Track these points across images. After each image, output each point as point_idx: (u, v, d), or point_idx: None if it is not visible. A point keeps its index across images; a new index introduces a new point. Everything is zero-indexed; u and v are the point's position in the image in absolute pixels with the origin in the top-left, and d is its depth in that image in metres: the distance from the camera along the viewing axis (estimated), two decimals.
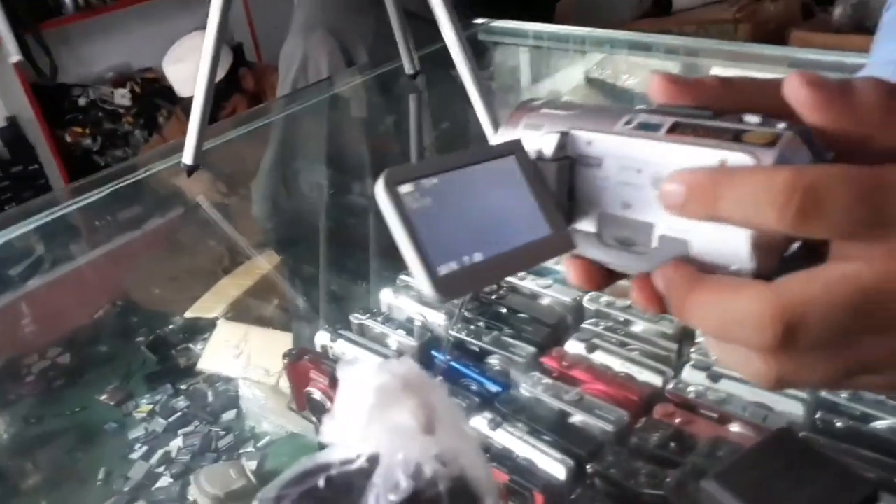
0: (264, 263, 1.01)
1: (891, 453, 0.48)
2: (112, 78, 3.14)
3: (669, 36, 1.37)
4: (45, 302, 1.03)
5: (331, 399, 0.62)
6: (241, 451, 0.82)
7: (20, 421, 0.89)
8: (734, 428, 0.53)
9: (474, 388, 0.60)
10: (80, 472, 0.83)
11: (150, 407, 0.94)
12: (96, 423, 0.92)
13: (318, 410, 0.64)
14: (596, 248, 0.29)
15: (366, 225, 1.02)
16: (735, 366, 0.26)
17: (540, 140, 0.29)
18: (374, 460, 0.29)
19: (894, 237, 0.23)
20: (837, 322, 0.23)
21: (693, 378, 0.57)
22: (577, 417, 0.55)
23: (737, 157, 0.25)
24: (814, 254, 0.25)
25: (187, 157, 0.89)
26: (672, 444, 0.51)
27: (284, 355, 0.66)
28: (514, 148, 0.29)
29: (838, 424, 0.51)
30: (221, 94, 2.63)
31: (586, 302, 0.67)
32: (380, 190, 0.24)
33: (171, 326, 1.04)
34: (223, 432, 0.87)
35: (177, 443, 0.87)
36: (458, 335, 0.66)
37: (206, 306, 1.01)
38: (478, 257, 0.25)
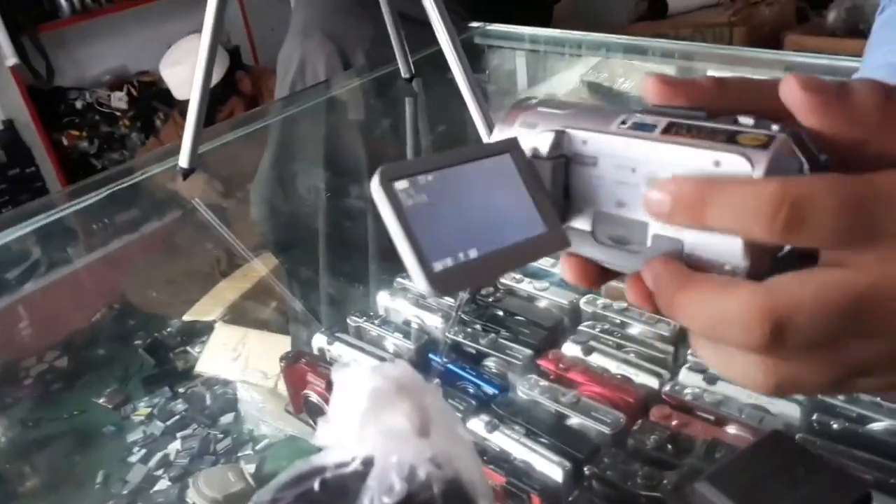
0: (262, 266, 1.02)
1: (887, 455, 0.48)
2: (109, 81, 3.14)
3: (665, 40, 1.38)
4: (43, 305, 1.03)
5: (328, 402, 0.62)
6: (240, 453, 0.82)
7: (18, 424, 0.89)
8: (731, 430, 0.53)
9: (471, 390, 0.60)
10: (78, 475, 0.83)
11: (149, 410, 0.94)
12: (94, 426, 0.92)
13: (315, 413, 0.64)
14: (591, 246, 0.30)
15: (362, 227, 1.02)
16: (728, 370, 0.26)
17: (535, 138, 0.30)
18: (368, 463, 0.29)
19: (883, 245, 0.23)
20: (827, 325, 0.24)
21: (690, 380, 0.57)
22: (574, 420, 0.55)
23: (730, 159, 0.25)
24: (807, 254, 0.25)
25: (183, 160, 0.89)
26: (669, 446, 0.51)
27: (281, 358, 0.66)
28: (510, 146, 0.29)
29: (835, 426, 0.51)
30: (218, 97, 2.63)
31: (583, 304, 0.67)
32: (375, 186, 0.24)
33: (168, 329, 1.04)
34: (221, 435, 0.87)
35: (175, 446, 0.87)
36: (454, 338, 0.66)
37: (203, 309, 1.01)
38: (473, 254, 0.25)
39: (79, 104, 3.03)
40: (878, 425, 0.51)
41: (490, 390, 0.60)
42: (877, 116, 0.25)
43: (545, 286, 0.70)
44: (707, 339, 0.26)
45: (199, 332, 0.99)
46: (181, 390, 0.95)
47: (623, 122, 0.28)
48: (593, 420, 0.54)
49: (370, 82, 1.24)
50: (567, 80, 1.26)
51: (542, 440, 0.53)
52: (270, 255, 1.05)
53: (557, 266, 0.73)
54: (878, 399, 0.52)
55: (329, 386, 0.62)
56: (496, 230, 0.26)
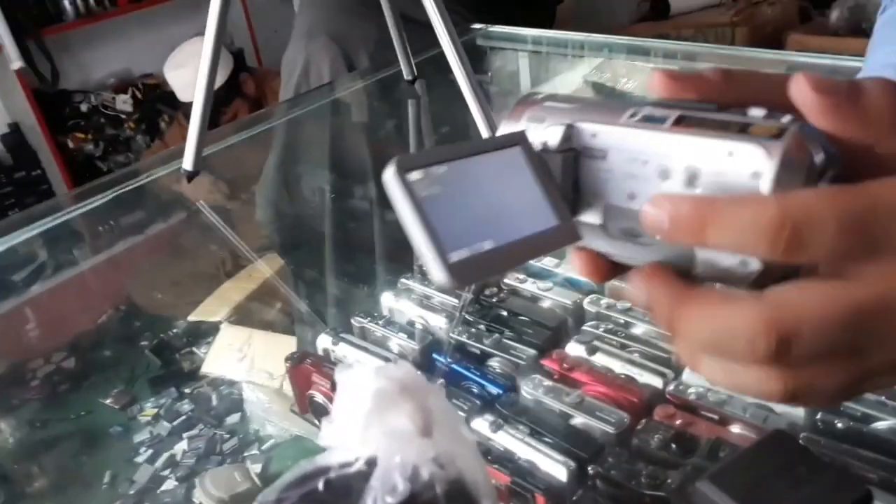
0: (266, 267, 1.02)
1: (891, 454, 0.48)
2: (113, 84, 3.15)
3: (667, 41, 1.38)
4: (50, 307, 1.04)
5: (333, 402, 0.62)
6: (246, 453, 0.83)
7: (26, 425, 0.89)
8: (735, 429, 0.53)
9: (475, 390, 0.60)
10: (86, 475, 0.84)
11: (155, 410, 0.94)
12: (101, 426, 0.92)
13: (320, 413, 0.65)
14: (601, 239, 0.29)
15: (367, 229, 1.02)
16: (736, 384, 0.26)
17: (544, 132, 0.29)
18: (372, 463, 0.29)
19: (885, 259, 0.23)
20: (831, 337, 0.24)
21: (693, 380, 0.57)
22: (579, 419, 0.55)
23: (744, 148, 0.25)
24: None
25: (187, 163, 0.89)
26: (673, 446, 0.51)
27: (286, 359, 0.66)
28: (519, 139, 0.29)
29: (839, 425, 0.51)
30: (222, 100, 2.64)
31: (587, 304, 0.67)
32: (390, 176, 0.24)
33: (174, 330, 1.04)
34: (227, 435, 0.87)
35: (181, 446, 0.87)
36: (459, 338, 0.66)
37: (209, 310, 1.02)
38: (488, 245, 0.25)
39: (84, 107, 3.04)
40: (883, 424, 0.51)
41: (494, 390, 0.60)
42: (888, 118, 0.25)
43: (549, 286, 0.70)
44: (710, 354, 0.26)
45: (204, 332, 0.99)
46: (187, 391, 0.95)
47: (633, 115, 0.28)
48: (597, 420, 0.54)
49: (373, 84, 1.25)
50: (570, 80, 1.26)
51: (547, 440, 0.53)
52: (275, 257, 1.05)
53: (561, 266, 0.73)
54: (883, 398, 0.52)
55: (334, 386, 0.62)
56: (509, 222, 0.26)
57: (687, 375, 0.58)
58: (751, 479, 0.28)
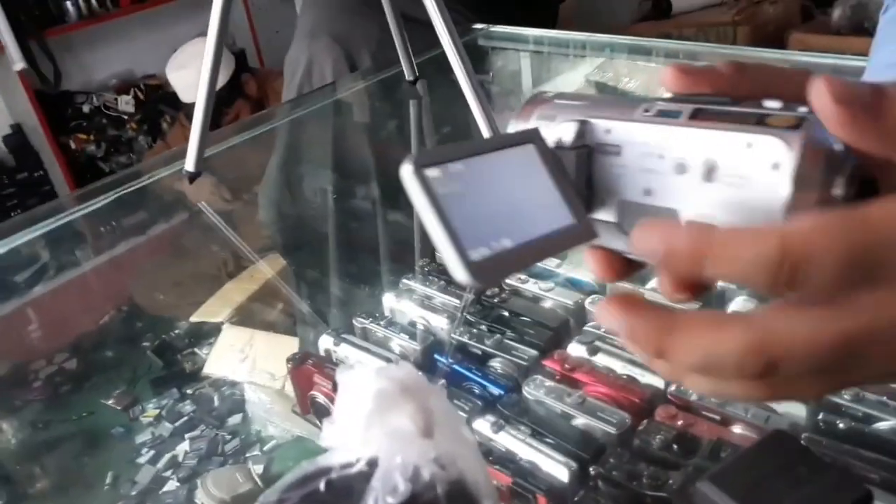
0: (268, 268, 1.02)
1: (893, 454, 0.48)
2: (115, 84, 3.15)
3: (669, 40, 1.37)
4: (52, 308, 1.04)
5: (334, 402, 0.62)
6: (248, 454, 0.83)
7: (28, 426, 0.89)
8: (736, 430, 0.53)
9: (477, 391, 0.60)
10: (88, 476, 0.84)
11: (157, 411, 0.94)
12: (103, 427, 0.92)
13: (322, 414, 0.65)
14: (616, 237, 0.29)
15: (368, 229, 1.02)
16: (722, 395, 0.26)
17: (557, 129, 0.29)
18: (373, 464, 0.29)
19: (880, 290, 0.23)
20: (818, 361, 0.24)
21: None
22: (580, 420, 0.55)
23: (763, 140, 0.25)
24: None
25: (189, 164, 0.89)
26: (674, 446, 0.51)
27: (288, 359, 0.67)
28: (533, 136, 0.28)
29: (840, 425, 0.51)
30: (224, 100, 2.64)
31: (588, 305, 0.67)
32: (408, 173, 0.24)
33: (176, 331, 1.04)
34: (229, 436, 0.87)
35: (183, 447, 0.87)
36: (460, 338, 0.66)
37: (211, 311, 1.02)
38: (506, 243, 0.25)
39: (86, 108, 3.05)
40: (884, 425, 0.51)
41: (496, 391, 0.60)
42: None
43: (550, 286, 0.70)
44: (697, 373, 0.26)
45: (206, 333, 0.99)
46: (189, 392, 0.95)
47: (647, 110, 0.28)
48: (599, 420, 0.54)
49: (374, 85, 1.25)
50: (572, 80, 1.26)
51: (548, 440, 0.53)
52: (277, 257, 1.05)
53: (562, 266, 0.73)
54: (885, 398, 0.52)
55: (335, 387, 0.62)
56: (526, 220, 0.26)
57: None
58: (751, 479, 0.28)
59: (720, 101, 0.27)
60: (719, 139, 0.26)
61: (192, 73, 2.51)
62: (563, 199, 0.27)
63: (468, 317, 0.68)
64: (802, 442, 0.50)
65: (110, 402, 0.95)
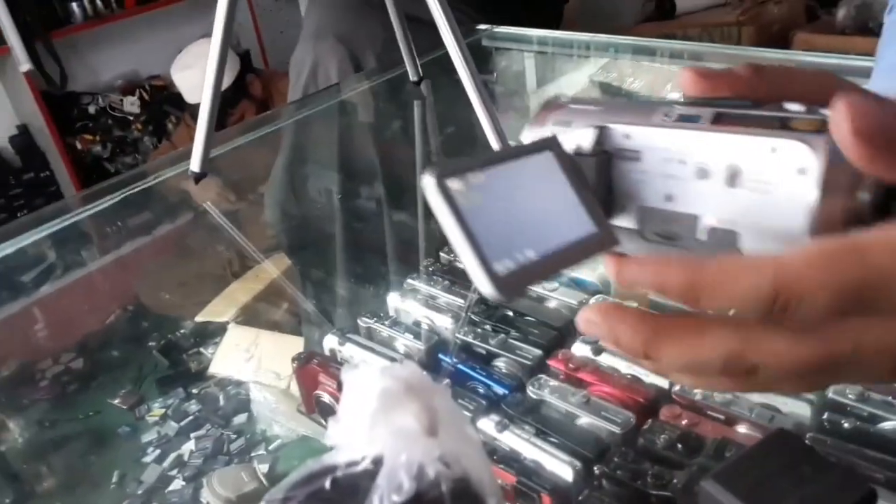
0: (273, 268, 1.02)
1: None
2: (121, 85, 3.17)
3: (673, 41, 1.38)
4: (58, 308, 1.04)
5: (339, 402, 0.62)
6: (253, 453, 0.83)
7: (34, 425, 0.90)
8: (741, 429, 0.53)
9: (481, 390, 0.61)
10: (94, 475, 0.84)
11: (163, 411, 0.95)
12: (109, 426, 0.93)
13: (327, 413, 0.65)
14: (636, 243, 0.29)
15: (373, 229, 1.03)
16: (707, 388, 0.27)
17: (575, 135, 0.29)
18: (378, 462, 0.29)
19: (872, 317, 0.23)
20: (797, 374, 0.25)
21: None
22: (584, 419, 0.55)
23: (788, 145, 0.24)
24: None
25: (194, 164, 0.89)
26: (679, 446, 0.51)
27: (293, 359, 0.67)
28: (551, 143, 0.28)
29: (845, 425, 0.51)
30: (229, 101, 2.65)
31: (592, 304, 0.67)
32: (430, 186, 0.24)
33: (182, 331, 1.05)
34: (235, 435, 0.88)
35: (189, 446, 0.88)
36: (464, 338, 0.66)
37: (216, 311, 1.02)
38: (530, 255, 0.24)
39: (92, 109, 3.06)
40: (890, 424, 0.51)
41: (500, 390, 0.60)
42: None
43: (554, 286, 0.70)
44: (683, 373, 0.27)
45: (211, 333, 1.00)
46: (195, 391, 0.96)
47: (667, 115, 0.28)
48: (603, 420, 0.54)
49: (379, 85, 1.25)
50: (575, 81, 1.26)
51: (553, 440, 0.53)
52: (282, 257, 1.05)
53: None
54: (890, 398, 0.52)
55: (340, 386, 0.62)
56: (548, 230, 0.26)
57: None
58: (755, 478, 0.28)
59: (741, 104, 0.27)
60: (743, 144, 0.25)
61: (197, 74, 2.52)
62: (584, 207, 0.27)
63: (472, 316, 0.68)
64: (807, 441, 0.50)
65: (116, 401, 0.96)
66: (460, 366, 0.63)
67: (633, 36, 1.27)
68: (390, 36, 1.10)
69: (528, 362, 0.62)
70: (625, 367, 0.60)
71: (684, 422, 0.53)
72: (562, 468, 0.51)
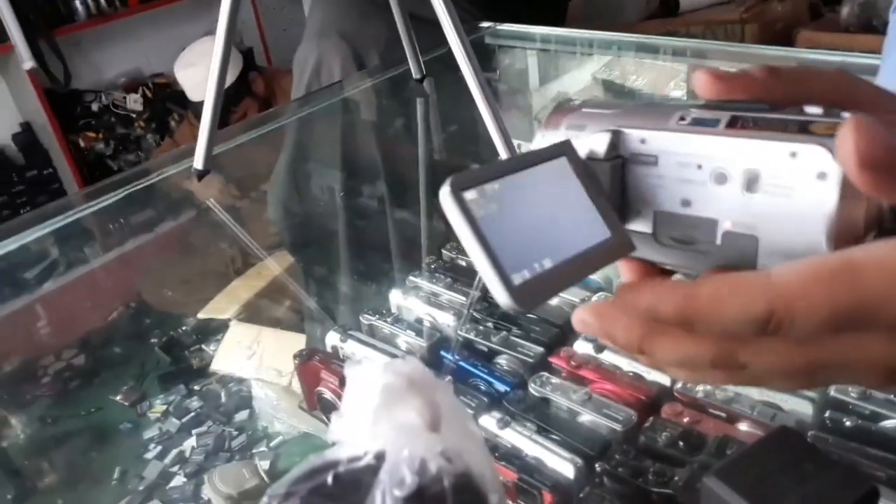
0: (275, 265, 1.02)
1: None
2: (124, 83, 3.17)
3: (676, 38, 1.37)
4: (61, 304, 1.04)
5: (341, 399, 0.63)
6: (254, 450, 0.83)
7: (36, 421, 0.90)
8: (742, 427, 0.53)
9: (483, 387, 0.61)
10: (96, 471, 0.84)
11: (164, 407, 0.95)
12: (111, 423, 0.93)
13: (329, 410, 0.65)
14: (651, 248, 0.29)
15: (375, 227, 1.03)
16: (698, 381, 0.27)
17: (589, 140, 0.29)
18: (380, 457, 0.29)
19: (864, 333, 0.24)
20: (784, 375, 0.25)
21: None
22: (586, 417, 0.55)
23: (808, 149, 0.24)
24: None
25: (198, 161, 0.89)
26: (680, 443, 0.51)
27: (295, 356, 0.67)
28: (565, 149, 0.28)
29: (847, 423, 0.51)
30: (232, 99, 2.64)
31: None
32: (446, 197, 0.24)
33: (184, 328, 1.05)
34: (236, 432, 0.88)
35: (190, 442, 0.88)
36: (466, 335, 0.66)
37: (218, 308, 1.03)
38: (547, 264, 0.24)
39: (95, 106, 3.06)
40: (891, 423, 0.51)
41: (502, 387, 0.60)
42: None
43: None
44: (676, 368, 0.28)
45: (213, 330, 1.00)
46: (196, 388, 0.96)
47: (682, 119, 0.27)
48: (605, 417, 0.54)
49: (382, 83, 1.25)
50: (579, 78, 1.26)
51: (554, 437, 0.53)
52: (284, 254, 1.06)
53: None
54: (892, 397, 0.52)
55: (342, 383, 0.62)
56: (564, 238, 0.26)
57: None
58: (757, 474, 0.28)
59: (758, 107, 0.26)
60: (761, 148, 0.25)
61: (201, 72, 2.52)
62: (599, 213, 0.27)
63: (474, 314, 0.68)
64: (809, 439, 0.50)
65: (118, 397, 0.96)
66: (462, 363, 0.63)
67: (637, 33, 1.27)
68: (393, 34, 1.10)
69: (530, 359, 0.62)
70: (626, 365, 0.60)
71: (686, 419, 0.53)
72: (563, 465, 0.51)
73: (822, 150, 0.24)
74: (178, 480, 0.82)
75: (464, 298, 0.70)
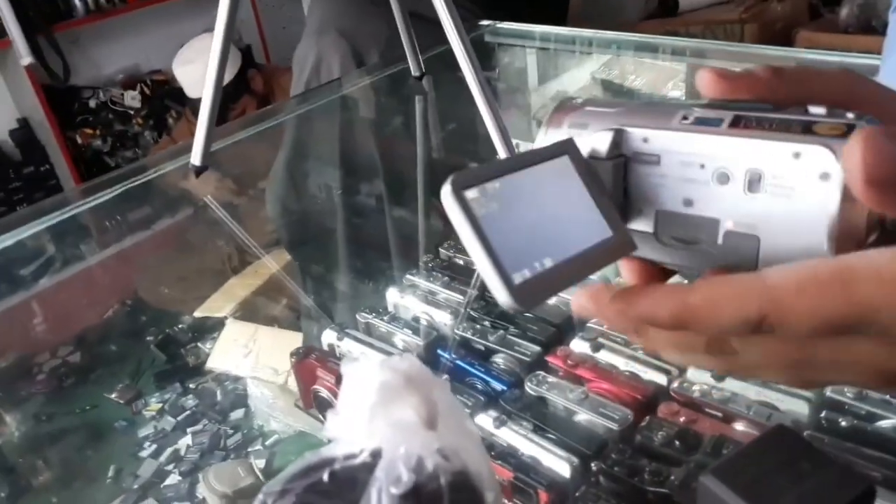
0: (272, 263, 1.02)
1: (895, 452, 0.48)
2: (122, 80, 3.16)
3: (676, 38, 1.37)
4: (56, 301, 1.04)
5: (337, 397, 0.62)
6: (250, 449, 0.83)
7: (31, 418, 0.90)
8: (738, 426, 0.53)
9: (480, 386, 0.61)
10: (90, 469, 0.84)
11: (160, 405, 0.95)
12: (106, 421, 0.93)
13: (325, 408, 0.65)
14: (652, 247, 0.29)
15: (372, 225, 1.03)
16: (692, 365, 0.28)
17: (591, 139, 0.29)
18: (376, 454, 0.29)
19: (855, 336, 0.24)
20: (776, 367, 0.26)
21: (698, 377, 0.57)
22: (582, 416, 0.55)
23: (812, 150, 0.24)
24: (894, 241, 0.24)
25: (195, 158, 0.89)
26: (676, 443, 0.51)
27: (291, 354, 0.67)
28: (568, 147, 0.28)
29: (843, 423, 0.51)
30: (230, 96, 2.64)
31: None
32: (448, 196, 0.24)
33: (180, 326, 1.05)
34: (232, 431, 0.88)
35: (186, 441, 0.88)
36: (463, 334, 0.66)
37: (214, 306, 1.02)
38: (548, 263, 0.24)
39: (92, 103, 3.06)
40: (887, 423, 0.51)
41: (498, 386, 0.60)
42: None
43: None
44: (671, 351, 0.28)
45: (210, 328, 1.00)
46: (192, 386, 0.96)
47: (685, 118, 0.27)
48: (601, 416, 0.54)
49: (381, 81, 1.25)
50: (578, 77, 1.26)
51: (550, 436, 0.53)
52: (281, 252, 1.05)
53: None
54: (888, 397, 0.52)
55: (339, 381, 0.62)
56: (565, 237, 0.25)
57: (691, 373, 0.58)
58: (754, 473, 0.28)
59: (762, 107, 0.26)
60: (765, 148, 0.25)
61: (199, 69, 2.51)
62: (601, 212, 0.27)
63: (471, 312, 0.68)
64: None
65: (114, 395, 0.96)
66: (459, 362, 0.63)
67: (636, 33, 1.27)
68: (393, 32, 1.10)
69: (527, 359, 0.62)
70: (623, 364, 0.60)
71: (682, 419, 0.53)
72: (559, 464, 0.51)
73: (826, 151, 0.24)
74: (174, 479, 0.82)
75: (461, 297, 0.70)
